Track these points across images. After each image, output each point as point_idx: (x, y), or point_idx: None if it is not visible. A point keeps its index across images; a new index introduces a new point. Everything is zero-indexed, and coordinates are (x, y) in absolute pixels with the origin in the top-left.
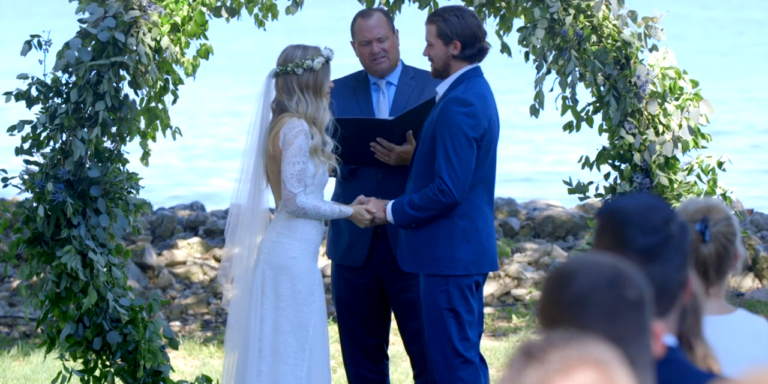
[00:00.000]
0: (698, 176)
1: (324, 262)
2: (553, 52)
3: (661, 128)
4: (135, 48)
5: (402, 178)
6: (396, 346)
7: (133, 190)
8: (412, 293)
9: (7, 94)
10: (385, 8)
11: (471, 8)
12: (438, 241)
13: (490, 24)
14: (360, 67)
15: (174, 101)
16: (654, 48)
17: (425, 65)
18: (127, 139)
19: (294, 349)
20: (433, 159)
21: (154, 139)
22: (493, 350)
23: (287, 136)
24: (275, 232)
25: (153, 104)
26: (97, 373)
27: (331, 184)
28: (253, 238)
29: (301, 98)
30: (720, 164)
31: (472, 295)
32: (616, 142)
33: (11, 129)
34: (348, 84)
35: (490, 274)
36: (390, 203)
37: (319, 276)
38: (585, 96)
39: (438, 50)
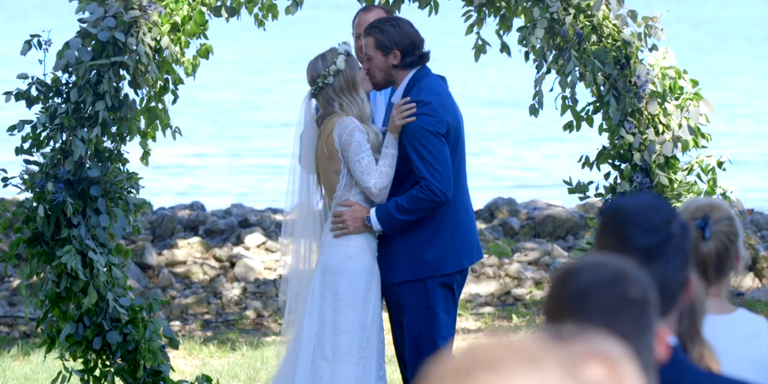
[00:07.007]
0: (698, 176)
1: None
2: (553, 52)
3: (661, 128)
4: (135, 48)
5: None
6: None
7: (133, 190)
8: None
9: (7, 94)
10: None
11: (407, 18)
12: (411, 244)
13: (490, 24)
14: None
15: (174, 101)
16: (654, 47)
17: None
18: (127, 138)
19: (355, 348)
20: (407, 164)
21: (154, 138)
22: None
23: (342, 136)
24: (331, 233)
25: (153, 104)
26: (97, 372)
27: None
28: (307, 237)
29: (343, 102)
30: (720, 164)
31: (452, 295)
32: (616, 141)
33: (11, 129)
34: None
35: (490, 273)
36: (372, 211)
37: (377, 273)
38: (585, 96)
39: (378, 61)
